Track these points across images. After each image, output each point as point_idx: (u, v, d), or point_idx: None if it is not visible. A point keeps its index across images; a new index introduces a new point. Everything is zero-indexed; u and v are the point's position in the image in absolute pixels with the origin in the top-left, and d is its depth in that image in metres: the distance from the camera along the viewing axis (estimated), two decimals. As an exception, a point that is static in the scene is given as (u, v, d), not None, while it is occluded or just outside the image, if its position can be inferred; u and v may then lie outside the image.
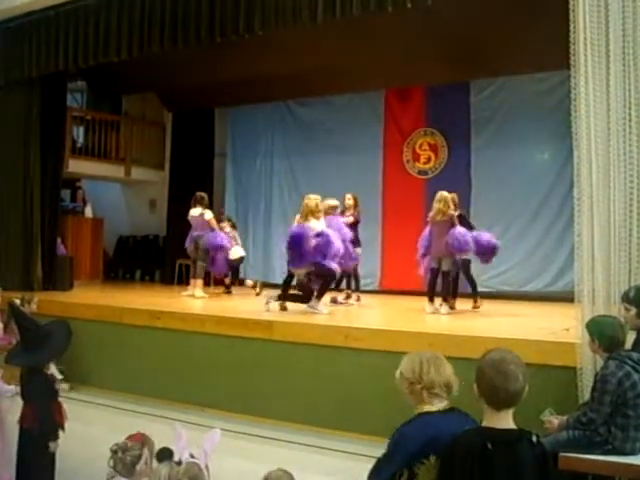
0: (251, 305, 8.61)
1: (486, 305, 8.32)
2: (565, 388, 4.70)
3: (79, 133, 13.05)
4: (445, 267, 7.72)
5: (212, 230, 9.63)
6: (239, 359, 6.57)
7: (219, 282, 10.71)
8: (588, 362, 4.62)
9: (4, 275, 9.02)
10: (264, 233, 12.24)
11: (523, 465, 2.37)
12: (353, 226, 8.64)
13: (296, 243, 7.48)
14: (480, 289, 8.68)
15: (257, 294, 9.95)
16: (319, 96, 11.62)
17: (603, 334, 3.93)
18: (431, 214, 7.87)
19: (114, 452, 3.03)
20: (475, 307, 8.24)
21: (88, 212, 12.32)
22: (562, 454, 3.75)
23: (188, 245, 9.82)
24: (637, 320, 4.15)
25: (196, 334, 6.89)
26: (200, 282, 9.66)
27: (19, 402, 4.29)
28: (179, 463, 2.72)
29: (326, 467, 5.06)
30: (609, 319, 4.12)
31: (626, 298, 4.23)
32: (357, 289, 9.21)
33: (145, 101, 13.52)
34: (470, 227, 8.06)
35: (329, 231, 7.62)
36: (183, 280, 11.83)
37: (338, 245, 7.57)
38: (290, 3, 6.83)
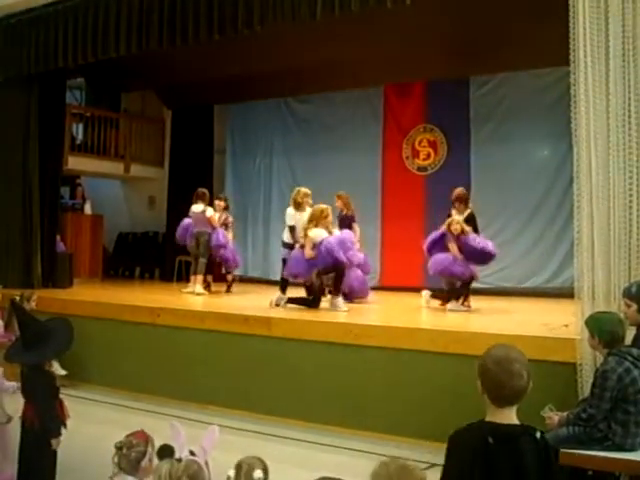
0: (251, 302, 8.62)
1: (486, 301, 8.33)
2: (565, 384, 4.71)
3: (78, 130, 13.02)
4: None
5: (213, 228, 9.64)
6: (239, 356, 6.58)
7: (219, 279, 10.68)
8: (588, 358, 4.63)
9: (4, 273, 9.03)
10: (263, 229, 12.25)
11: (526, 461, 2.36)
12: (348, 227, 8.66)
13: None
14: (479, 285, 8.68)
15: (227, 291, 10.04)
16: (318, 92, 11.60)
17: (603, 330, 3.93)
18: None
19: (119, 449, 3.03)
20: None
21: (87, 209, 12.30)
22: (562, 450, 3.76)
23: (189, 241, 9.81)
24: (638, 316, 4.15)
25: (196, 331, 6.89)
26: (200, 278, 9.67)
27: (20, 399, 4.29)
28: (179, 460, 2.72)
29: (326, 464, 5.07)
30: (608, 315, 4.12)
31: (627, 294, 4.23)
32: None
33: (144, 98, 13.50)
34: (476, 229, 7.99)
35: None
36: (183, 277, 11.83)
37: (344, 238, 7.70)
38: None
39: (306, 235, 7.53)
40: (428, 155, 11.03)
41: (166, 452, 2.82)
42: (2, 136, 9.59)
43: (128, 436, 3.10)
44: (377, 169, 11.28)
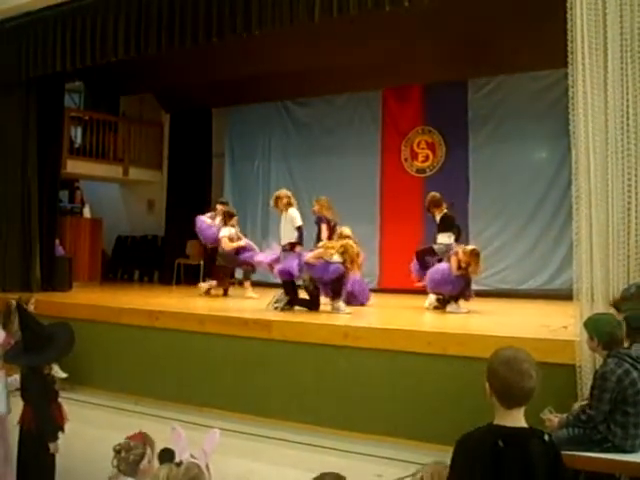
0: (250, 304, 8.62)
1: (484, 303, 8.33)
2: (564, 386, 4.71)
3: (77, 134, 13.04)
4: None
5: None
6: (238, 359, 6.57)
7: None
8: (587, 360, 4.63)
9: (3, 276, 9.02)
10: (262, 233, 12.23)
11: (535, 463, 2.36)
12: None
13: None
14: (478, 287, 8.68)
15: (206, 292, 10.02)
16: (317, 96, 11.63)
17: (601, 332, 3.93)
18: None
19: (117, 452, 3.03)
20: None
21: (86, 213, 12.31)
22: (562, 452, 3.75)
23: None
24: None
25: (195, 334, 6.88)
26: (249, 283, 9.76)
27: (20, 402, 4.28)
28: (179, 464, 2.72)
29: (326, 466, 5.04)
30: (607, 316, 4.12)
31: (626, 295, 4.23)
32: None
33: (143, 101, 13.52)
34: (451, 228, 8.06)
35: None
36: (182, 280, 11.85)
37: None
38: (287, 2, 6.83)
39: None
40: (427, 157, 11.04)
41: (167, 456, 2.82)
42: (1, 140, 9.58)
43: (127, 438, 3.10)
44: (376, 171, 11.29)
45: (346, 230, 8.42)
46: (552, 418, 4.04)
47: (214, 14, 7.28)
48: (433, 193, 8.41)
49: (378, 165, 11.32)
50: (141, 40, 7.85)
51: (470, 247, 7.76)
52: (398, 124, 11.27)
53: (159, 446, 3.08)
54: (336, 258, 7.49)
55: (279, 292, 7.96)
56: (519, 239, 10.07)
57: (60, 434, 4.19)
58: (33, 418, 4.06)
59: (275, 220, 11.75)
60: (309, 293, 7.80)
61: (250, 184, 12.60)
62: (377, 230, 11.06)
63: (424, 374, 5.57)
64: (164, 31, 7.64)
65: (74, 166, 11.86)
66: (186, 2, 7.46)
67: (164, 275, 12.49)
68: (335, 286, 7.58)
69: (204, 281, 10.35)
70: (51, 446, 4.07)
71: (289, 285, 7.86)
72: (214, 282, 9.95)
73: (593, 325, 4.02)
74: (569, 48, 4.83)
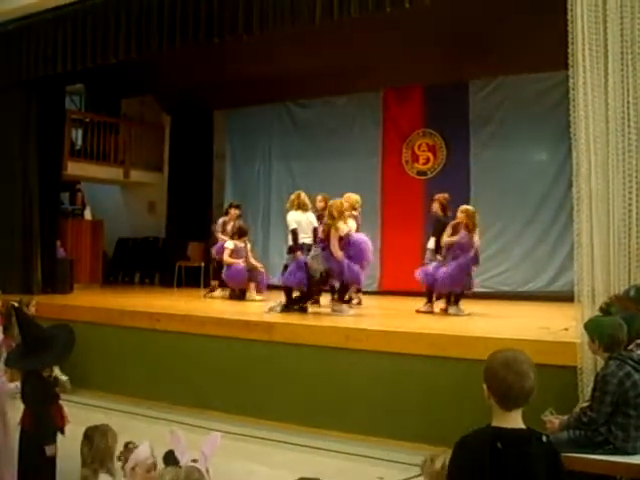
0: (250, 307, 8.61)
1: (485, 305, 8.32)
2: (565, 388, 4.70)
3: (78, 136, 13.04)
4: None
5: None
6: (239, 361, 6.57)
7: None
8: (588, 362, 4.62)
9: (3, 278, 9.02)
10: (263, 235, 12.23)
11: (534, 465, 2.36)
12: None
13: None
14: (479, 289, 8.67)
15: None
16: (318, 97, 11.63)
17: (603, 334, 3.92)
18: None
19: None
20: None
21: (87, 214, 12.31)
22: (563, 454, 3.74)
23: None
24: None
25: (196, 336, 6.89)
26: (252, 285, 9.77)
27: (21, 404, 4.29)
28: (179, 467, 2.72)
29: (328, 468, 5.05)
30: (608, 318, 4.09)
31: (627, 297, 4.22)
32: (359, 291, 9.19)
33: (143, 103, 13.52)
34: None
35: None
36: (183, 282, 11.84)
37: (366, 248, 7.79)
38: (288, 4, 6.85)
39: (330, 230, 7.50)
40: (427, 159, 11.04)
41: (171, 459, 2.81)
42: (2, 142, 9.59)
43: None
44: (377, 173, 11.30)
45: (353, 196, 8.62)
46: (553, 420, 4.03)
47: (215, 15, 7.29)
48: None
49: (379, 167, 11.32)
50: (142, 41, 7.86)
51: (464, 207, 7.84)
52: (399, 126, 11.27)
53: (161, 449, 3.08)
54: (342, 227, 7.48)
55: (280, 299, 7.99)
56: (520, 241, 10.07)
57: (60, 436, 4.18)
58: (32, 420, 4.05)
59: (276, 222, 11.82)
60: (312, 283, 7.73)
61: (251, 185, 12.60)
62: (378, 233, 11.02)
63: (425, 376, 5.56)
64: (165, 32, 7.65)
65: (75, 168, 11.86)
66: (187, 3, 7.47)
67: (165, 277, 12.49)
68: (340, 289, 7.58)
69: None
70: (47, 449, 4.05)
71: (287, 290, 7.91)
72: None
73: (594, 327, 4.01)
74: (570, 50, 4.83)
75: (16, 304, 6.64)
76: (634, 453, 3.76)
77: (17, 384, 4.47)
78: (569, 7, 4.86)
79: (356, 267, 7.57)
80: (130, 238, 13.88)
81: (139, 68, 10.09)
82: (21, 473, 4.12)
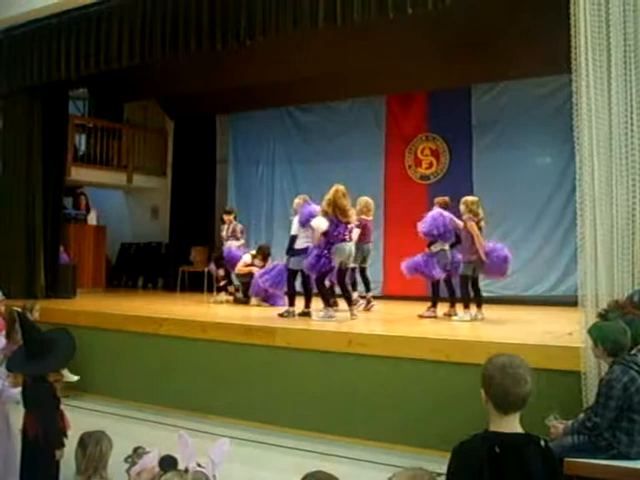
0: (254, 311, 8.61)
1: (489, 310, 8.29)
2: (569, 392, 4.69)
3: (81, 141, 13.09)
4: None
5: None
6: (242, 366, 6.56)
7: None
8: (592, 366, 4.60)
9: (7, 283, 9.02)
10: (266, 239, 12.22)
11: (532, 469, 2.36)
12: None
13: None
14: (482, 294, 8.65)
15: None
16: (320, 102, 11.65)
17: (607, 339, 3.91)
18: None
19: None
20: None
21: (92, 219, 12.32)
22: (567, 459, 3.74)
23: None
24: None
25: (199, 341, 6.88)
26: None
27: (22, 409, 4.28)
28: (185, 471, 2.71)
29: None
30: (611, 323, 4.08)
31: (630, 302, 4.21)
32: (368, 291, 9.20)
33: (147, 108, 13.56)
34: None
35: None
36: (186, 287, 11.84)
37: None
38: (291, 9, 6.86)
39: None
40: (430, 164, 11.04)
41: (168, 463, 2.80)
42: (5, 147, 9.61)
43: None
44: (379, 178, 11.30)
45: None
46: (557, 425, 4.03)
47: (218, 21, 7.32)
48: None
49: (382, 171, 11.33)
50: (145, 47, 7.89)
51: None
52: (402, 130, 11.28)
53: (163, 453, 3.07)
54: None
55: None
56: (523, 245, 10.03)
57: (64, 441, 4.18)
58: (39, 426, 4.05)
59: (279, 226, 11.82)
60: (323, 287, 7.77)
61: (254, 190, 12.62)
62: (381, 237, 11.04)
63: (428, 381, 5.55)
64: (168, 38, 7.68)
65: (78, 173, 11.91)
66: (190, 9, 7.49)
67: (168, 282, 12.50)
68: (323, 290, 7.64)
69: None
70: (57, 453, 4.07)
71: (290, 296, 8.00)
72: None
73: (598, 332, 4.00)
74: (572, 54, 4.83)
75: (20, 309, 6.66)
76: (638, 458, 3.75)
77: (19, 389, 4.47)
78: (572, 12, 4.87)
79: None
80: (133, 243, 13.91)
81: (142, 73, 10.12)
82: (25, 478, 4.12)
